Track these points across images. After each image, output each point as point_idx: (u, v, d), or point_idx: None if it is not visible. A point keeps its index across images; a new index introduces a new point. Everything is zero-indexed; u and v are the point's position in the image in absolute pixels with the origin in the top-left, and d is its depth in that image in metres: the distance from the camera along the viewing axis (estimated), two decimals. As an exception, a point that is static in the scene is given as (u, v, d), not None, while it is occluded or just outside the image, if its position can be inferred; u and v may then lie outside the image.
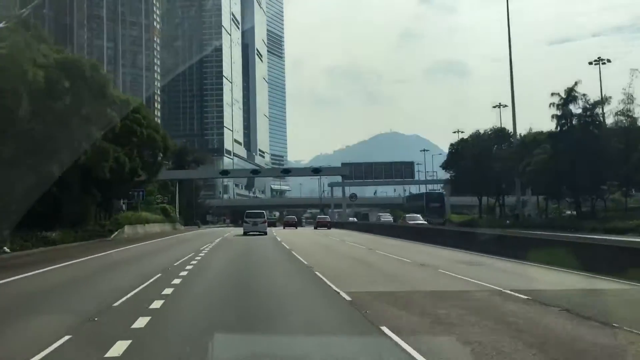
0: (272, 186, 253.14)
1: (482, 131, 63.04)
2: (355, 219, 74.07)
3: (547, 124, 56.79)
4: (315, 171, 62.57)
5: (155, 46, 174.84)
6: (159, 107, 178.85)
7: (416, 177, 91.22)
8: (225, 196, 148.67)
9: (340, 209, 72.56)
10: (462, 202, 78.21)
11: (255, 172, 69.25)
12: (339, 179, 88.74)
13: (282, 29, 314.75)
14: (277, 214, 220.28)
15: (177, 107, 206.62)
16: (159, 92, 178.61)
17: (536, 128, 56.57)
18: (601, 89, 52.82)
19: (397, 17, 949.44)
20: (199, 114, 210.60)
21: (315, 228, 58.95)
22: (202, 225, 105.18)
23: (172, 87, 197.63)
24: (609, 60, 55.71)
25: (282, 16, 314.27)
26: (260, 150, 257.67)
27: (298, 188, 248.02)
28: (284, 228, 62.03)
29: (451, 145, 65.34)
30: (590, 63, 54.40)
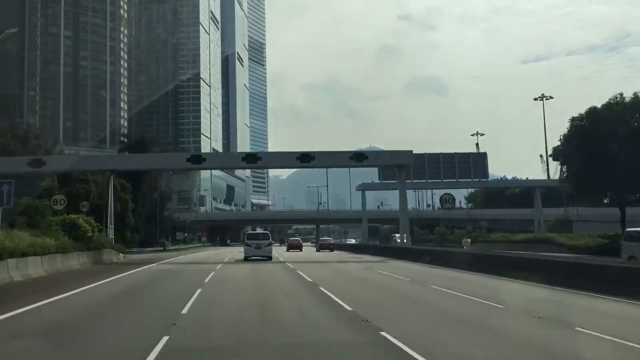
0: (252, 200, 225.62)
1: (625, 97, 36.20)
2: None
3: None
4: (358, 158, 32.92)
5: (122, 37, 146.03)
6: (126, 107, 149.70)
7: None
8: (202, 209, 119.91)
9: (395, 225, 44.34)
10: (596, 215, 49.96)
11: (253, 159, 35.44)
12: (369, 175, 61.26)
13: (264, 36, 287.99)
14: (261, 230, 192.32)
15: (150, 111, 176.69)
16: (126, 91, 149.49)
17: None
18: None
19: (377, 33, 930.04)
20: (173, 119, 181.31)
21: (318, 250, 57.67)
22: (169, 246, 77.21)
23: (142, 88, 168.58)
24: None
25: (264, 22, 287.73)
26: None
27: (280, 203, 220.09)
28: (287, 250, 56.40)
29: (572, 119, 38.04)
30: None
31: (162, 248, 68.78)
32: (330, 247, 59.23)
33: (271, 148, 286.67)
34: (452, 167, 50.84)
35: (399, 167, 34.91)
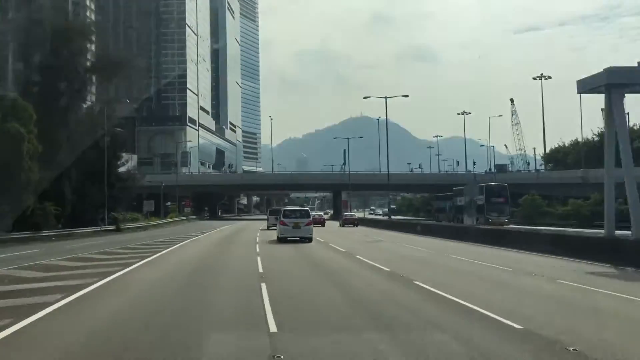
0: (243, 167, 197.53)
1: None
2: None
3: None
4: None
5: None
6: (93, 48, 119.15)
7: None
8: (185, 170, 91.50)
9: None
10: None
11: None
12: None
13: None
14: (257, 198, 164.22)
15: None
16: (94, 30, 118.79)
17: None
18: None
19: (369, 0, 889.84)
20: (156, 71, 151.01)
21: (342, 225, 55.55)
22: (140, 220, 50.23)
23: (118, 32, 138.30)
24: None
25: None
26: (231, 123, 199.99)
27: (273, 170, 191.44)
28: None
29: None
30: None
31: (114, 227, 40.93)
32: (355, 223, 56.52)
33: (263, 112, 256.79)
34: None
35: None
